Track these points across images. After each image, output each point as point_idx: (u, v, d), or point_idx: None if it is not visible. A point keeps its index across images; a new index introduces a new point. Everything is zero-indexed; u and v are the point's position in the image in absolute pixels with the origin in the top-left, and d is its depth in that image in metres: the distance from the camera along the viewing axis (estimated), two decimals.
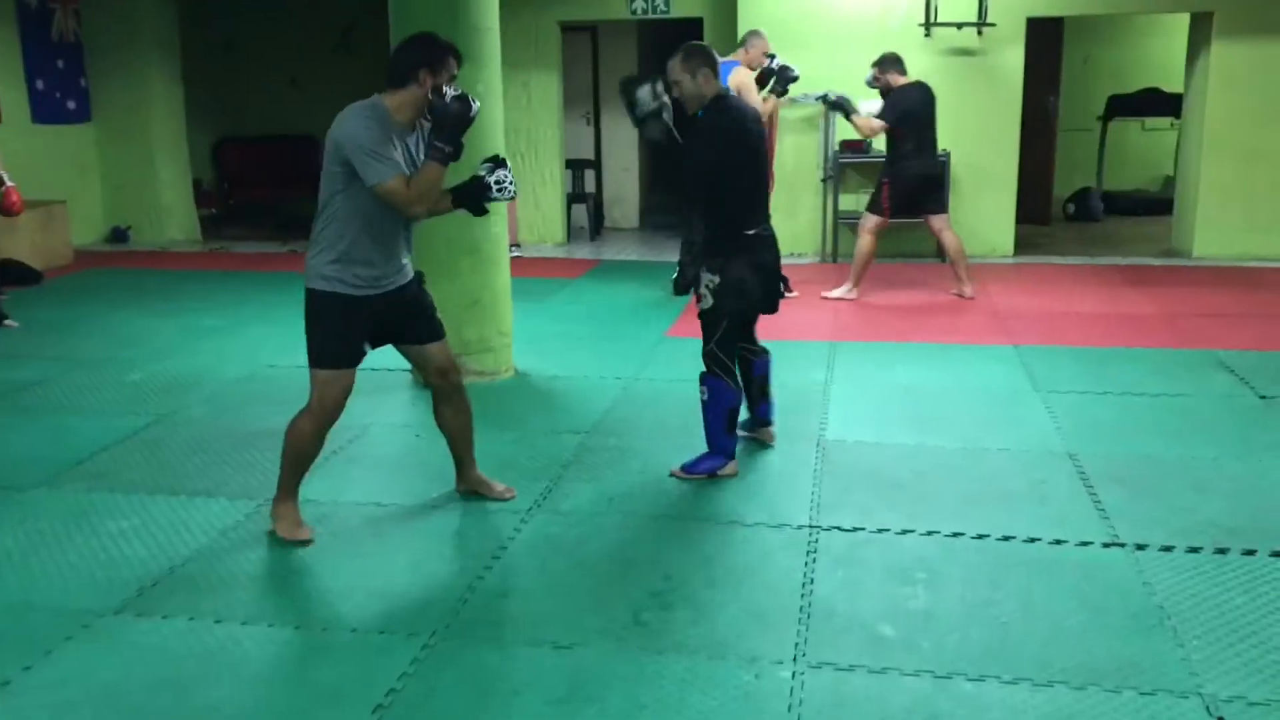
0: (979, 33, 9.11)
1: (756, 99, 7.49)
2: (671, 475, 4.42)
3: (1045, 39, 10.08)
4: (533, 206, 10.52)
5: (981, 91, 9.24)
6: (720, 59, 4.37)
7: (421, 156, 3.68)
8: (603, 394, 5.60)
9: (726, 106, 4.39)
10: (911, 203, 7.67)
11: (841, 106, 7.73)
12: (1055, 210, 11.68)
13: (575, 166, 10.90)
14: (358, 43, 11.99)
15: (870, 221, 7.76)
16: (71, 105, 10.50)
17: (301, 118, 12.59)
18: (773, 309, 4.67)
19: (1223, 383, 5.62)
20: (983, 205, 9.43)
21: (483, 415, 4.95)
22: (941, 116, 9.04)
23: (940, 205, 7.87)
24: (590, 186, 11.12)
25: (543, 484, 4.37)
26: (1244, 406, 5.24)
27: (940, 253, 8.68)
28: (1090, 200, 11.71)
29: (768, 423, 4.84)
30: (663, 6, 9.95)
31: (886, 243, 8.49)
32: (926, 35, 9.20)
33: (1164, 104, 11.33)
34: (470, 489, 4.24)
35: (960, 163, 9.33)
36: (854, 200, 9.50)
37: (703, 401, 4.46)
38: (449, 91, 3.60)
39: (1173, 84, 11.32)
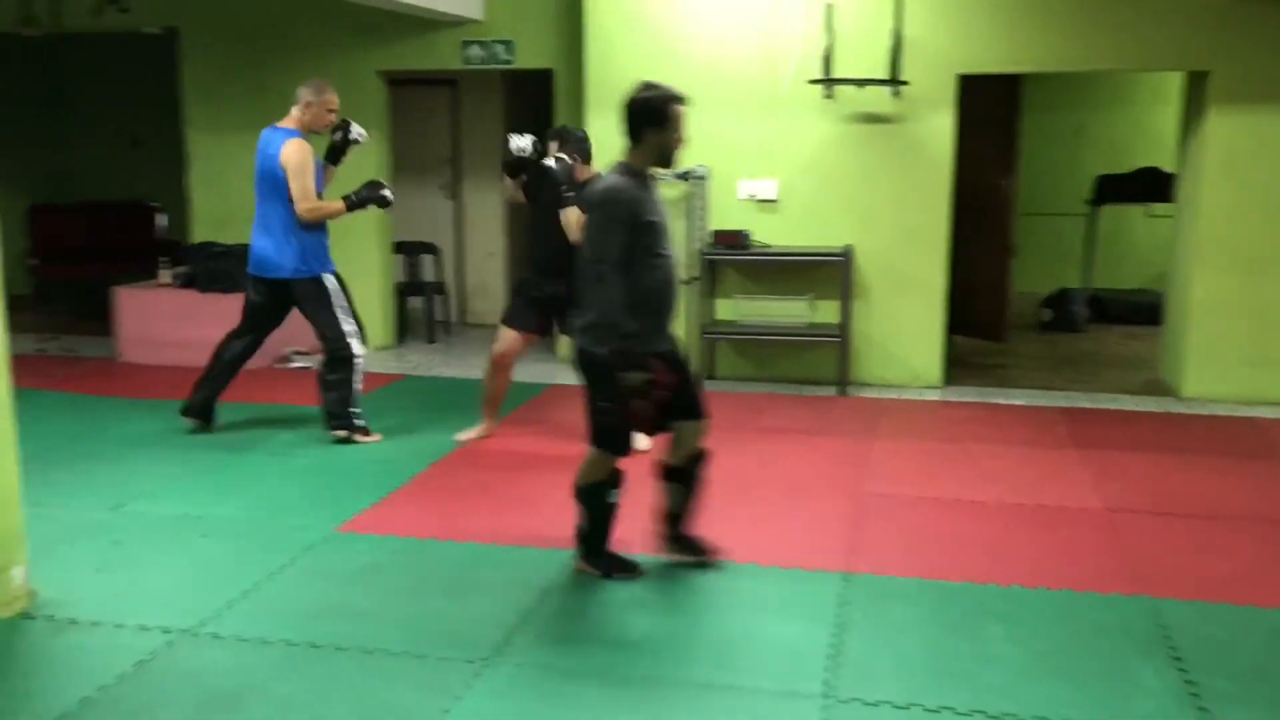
0: (895, 93, 6.87)
1: (309, 186, 5.44)
2: None
3: (998, 104, 7.82)
4: None
5: (899, 169, 6.99)
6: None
7: None
8: (98, 672, 3.34)
9: None
10: None
11: (553, 179, 5.28)
12: (1027, 316, 9.35)
13: (409, 250, 8.76)
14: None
15: None
16: None
17: (139, 181, 10.69)
18: None
19: (1154, 685, 3.26)
20: (901, 318, 7.12)
21: None
22: (849, 201, 6.96)
23: None
24: (433, 274, 8.96)
25: None
26: None
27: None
28: (1072, 305, 9.34)
29: None
30: (504, 55, 7.82)
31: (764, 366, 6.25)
32: (828, 96, 6.98)
33: (1163, 188, 8.97)
34: None
35: (869, 261, 7.06)
36: (730, 308, 7.26)
37: None
38: None
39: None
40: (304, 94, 5.58)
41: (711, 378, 7.25)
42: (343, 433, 5.71)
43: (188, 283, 7.73)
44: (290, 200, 5.50)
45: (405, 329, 8.76)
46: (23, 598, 3.78)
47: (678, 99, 3.74)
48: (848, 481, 5.21)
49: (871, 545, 4.39)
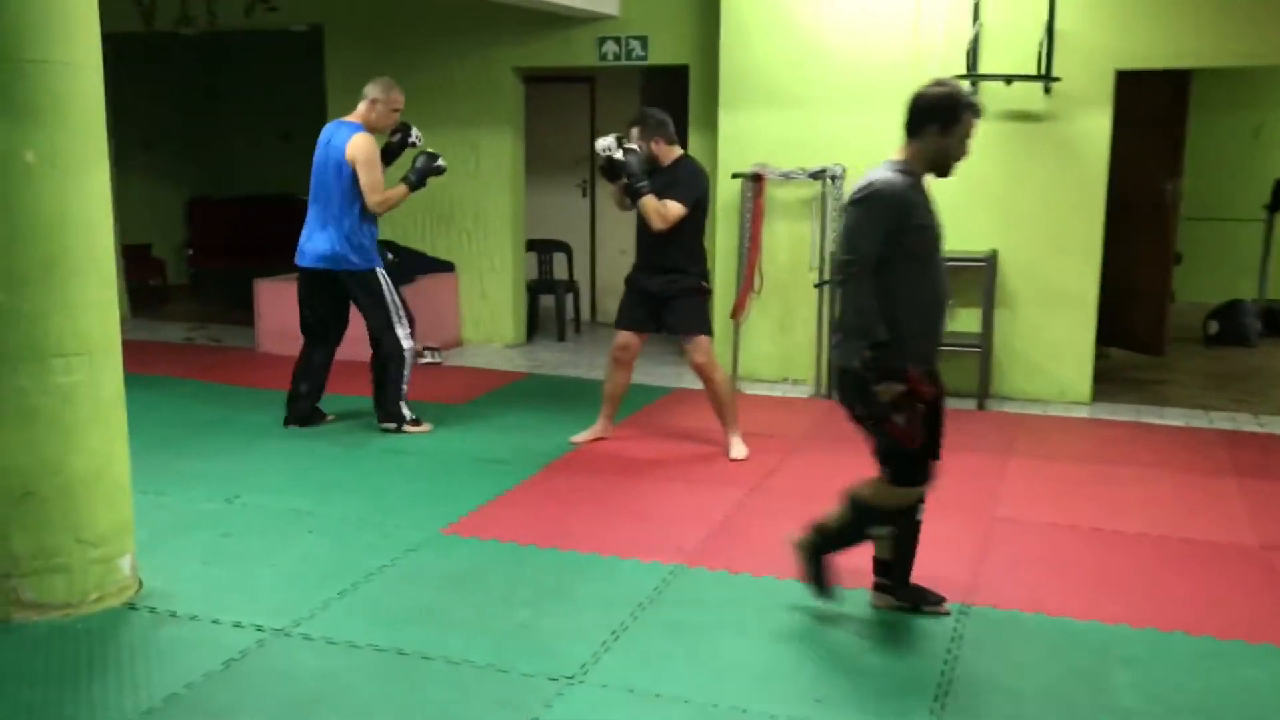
0: (1046, 90, 6.47)
1: (378, 178, 5.55)
2: None
3: (1162, 101, 7.30)
4: (478, 296, 8.40)
5: (1049, 171, 6.59)
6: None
7: None
8: (188, 669, 3.35)
9: None
10: None
11: (625, 171, 5.25)
12: (1191, 329, 8.75)
13: (541, 249, 8.74)
14: None
15: (707, 343, 5.43)
16: None
17: (290, 175, 10.99)
18: None
19: None
20: (1048, 328, 6.72)
21: None
22: (994, 203, 6.64)
23: None
24: (564, 272, 8.93)
25: None
26: None
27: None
28: (1243, 317, 8.69)
29: None
30: (640, 52, 7.71)
31: None
32: (973, 92, 6.62)
33: None
34: None
35: (1015, 267, 6.68)
36: None
37: None
38: None
39: None
40: (371, 91, 5.64)
41: None
42: (391, 425, 5.81)
43: None
44: (345, 193, 5.57)
45: (535, 327, 8.75)
46: (130, 587, 3.83)
47: (972, 107, 3.39)
48: (977, 503, 4.90)
49: (994, 575, 4.10)
